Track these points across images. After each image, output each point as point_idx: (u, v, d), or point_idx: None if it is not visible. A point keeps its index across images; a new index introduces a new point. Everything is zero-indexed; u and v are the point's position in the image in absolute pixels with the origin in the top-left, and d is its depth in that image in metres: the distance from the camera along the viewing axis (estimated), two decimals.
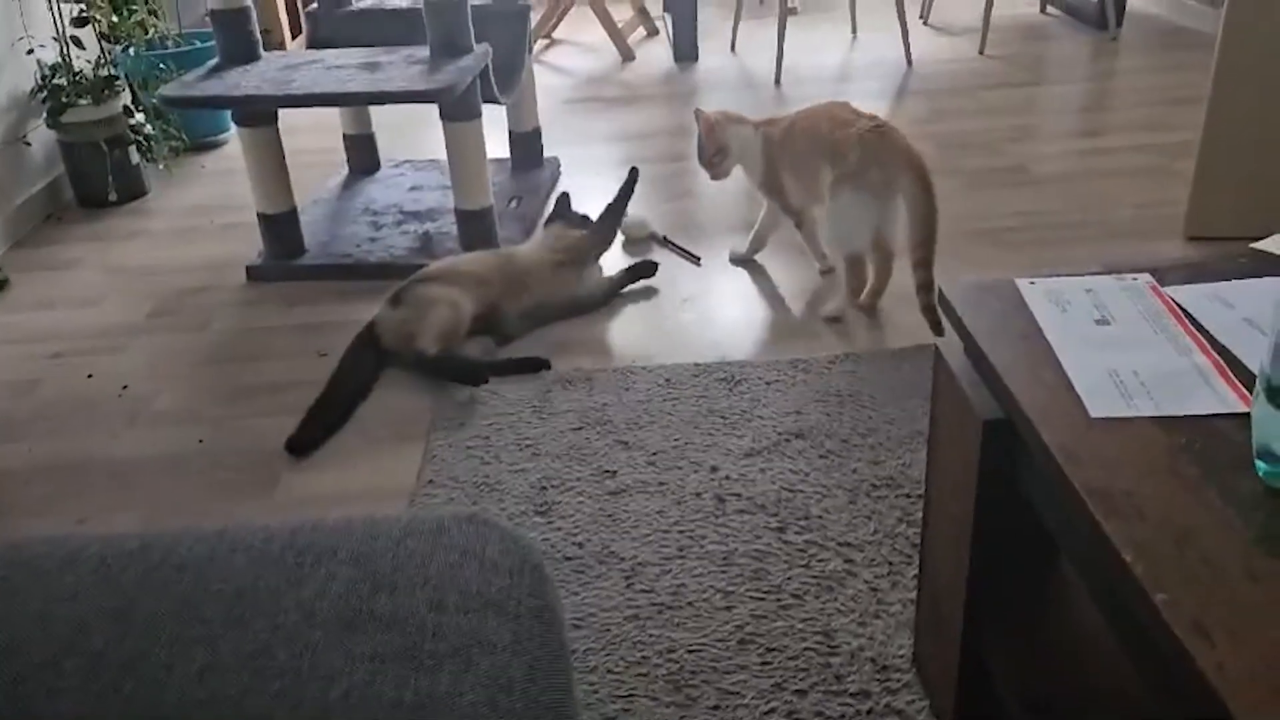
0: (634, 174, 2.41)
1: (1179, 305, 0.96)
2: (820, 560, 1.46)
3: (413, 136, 3.21)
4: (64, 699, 0.65)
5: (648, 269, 2.29)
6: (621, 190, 2.39)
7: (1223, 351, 0.88)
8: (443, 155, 2.40)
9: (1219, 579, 0.66)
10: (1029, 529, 0.94)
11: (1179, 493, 0.74)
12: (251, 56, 2.39)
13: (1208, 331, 0.91)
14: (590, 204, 2.45)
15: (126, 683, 0.66)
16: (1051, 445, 0.80)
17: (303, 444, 1.83)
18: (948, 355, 1.03)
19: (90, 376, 2.09)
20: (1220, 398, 0.83)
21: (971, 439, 0.96)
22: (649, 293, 2.27)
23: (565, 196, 2.45)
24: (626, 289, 2.26)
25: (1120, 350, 0.90)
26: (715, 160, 2.24)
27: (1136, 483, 0.75)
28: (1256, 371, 0.72)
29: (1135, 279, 1.01)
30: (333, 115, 2.94)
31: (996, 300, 1.01)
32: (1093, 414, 0.82)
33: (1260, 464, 0.73)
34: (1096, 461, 0.77)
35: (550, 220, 2.40)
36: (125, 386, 2.05)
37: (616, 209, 2.37)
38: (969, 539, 1.00)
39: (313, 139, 3.10)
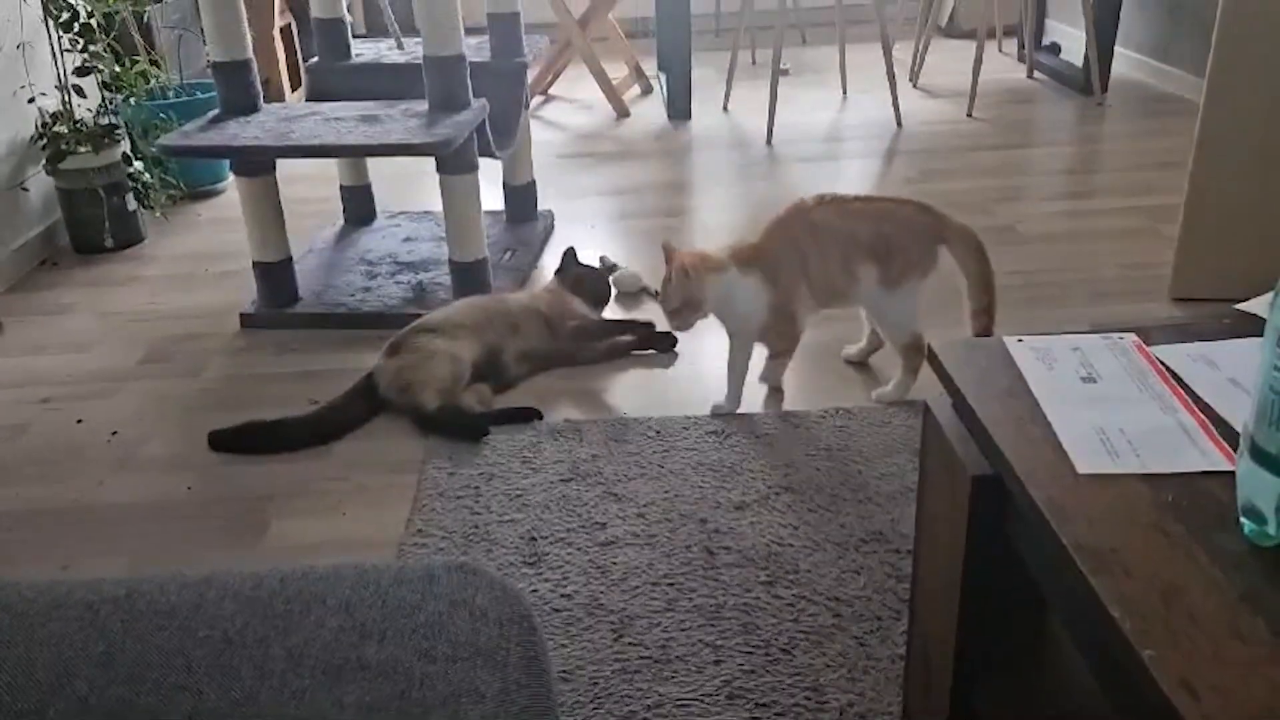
0: (604, 261, 2.46)
1: (1164, 364, 0.97)
2: (809, 615, 1.46)
3: (409, 188, 3.24)
4: None
5: (665, 343, 2.23)
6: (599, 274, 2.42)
7: (1208, 410, 0.89)
8: (438, 207, 2.43)
9: (1205, 636, 0.66)
10: (1018, 584, 0.94)
11: (1165, 550, 0.74)
12: (252, 108, 2.42)
13: (1193, 390, 0.92)
14: (584, 257, 2.47)
15: None
16: (1039, 501, 0.80)
17: (222, 441, 1.94)
18: (937, 411, 1.04)
19: (80, 422, 2.09)
20: (1206, 456, 0.83)
21: (960, 494, 0.96)
22: None
23: (570, 252, 2.41)
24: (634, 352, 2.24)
25: (1107, 408, 0.91)
26: (684, 313, 1.92)
27: (1123, 539, 0.75)
28: (1240, 430, 0.73)
29: (1121, 338, 1.02)
30: (330, 166, 2.98)
31: (984, 358, 1.02)
32: (1080, 470, 0.83)
33: (1245, 521, 0.74)
34: (1084, 518, 0.78)
35: (557, 273, 2.40)
36: (115, 432, 2.04)
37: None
38: (958, 594, 1.00)
39: (310, 189, 3.13)
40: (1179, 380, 0.94)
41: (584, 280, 2.36)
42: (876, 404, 1.98)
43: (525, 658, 0.77)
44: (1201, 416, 0.88)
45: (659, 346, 2.24)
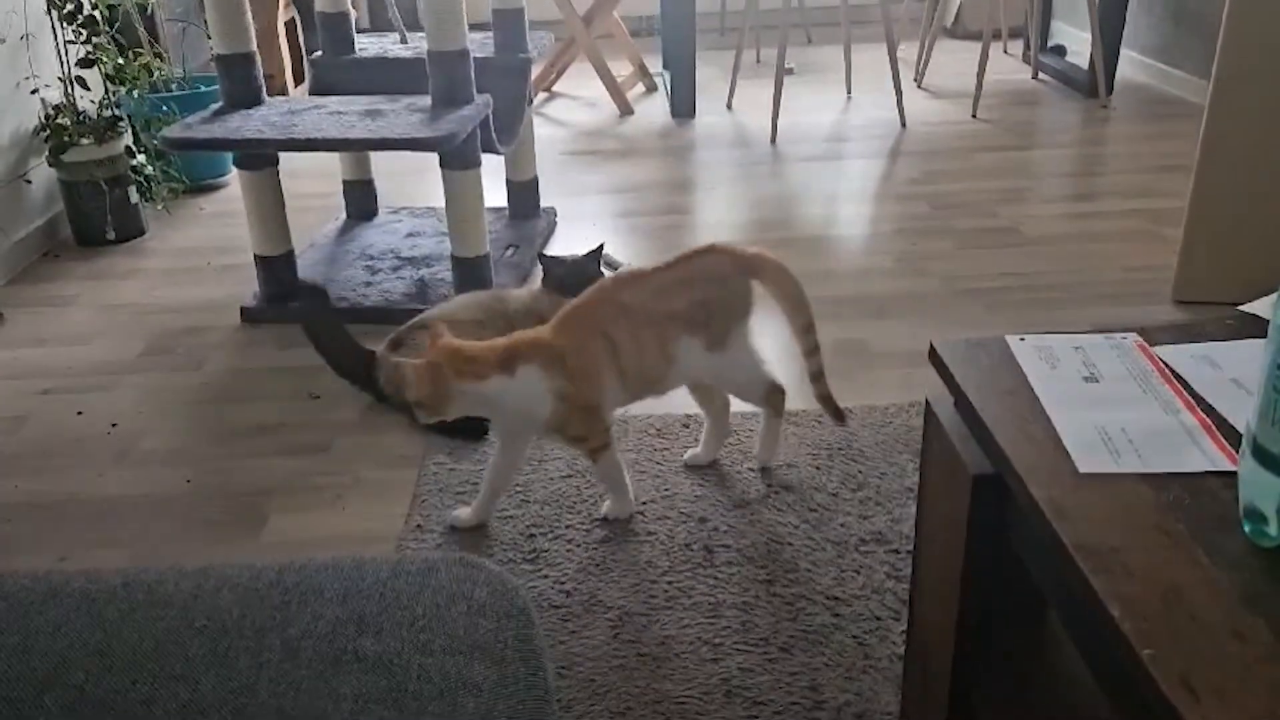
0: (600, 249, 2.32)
1: (1167, 365, 0.97)
2: (808, 614, 1.46)
3: (411, 184, 3.24)
4: None
5: None
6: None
7: (1210, 411, 0.89)
8: (440, 203, 2.42)
9: (1206, 636, 0.66)
10: (1018, 584, 0.94)
11: (1166, 550, 0.74)
12: (255, 101, 2.42)
13: (1195, 391, 0.92)
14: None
15: (106, 719, 0.66)
16: (1040, 501, 0.80)
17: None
18: (938, 410, 1.04)
19: (80, 414, 2.09)
20: (1208, 456, 0.83)
21: (961, 494, 0.96)
22: None
23: (544, 258, 2.25)
24: None
25: (1108, 408, 0.91)
26: (426, 410, 1.57)
27: (1124, 539, 0.75)
28: (1243, 430, 0.73)
29: (1124, 338, 1.02)
30: (332, 161, 2.97)
31: (986, 357, 1.02)
32: (1081, 470, 0.83)
33: (1247, 523, 0.73)
34: (1085, 517, 0.78)
35: (542, 283, 2.33)
36: (114, 424, 2.04)
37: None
38: (958, 593, 1.00)
39: (312, 184, 3.13)
40: (1181, 381, 0.94)
41: (565, 280, 2.31)
42: (877, 404, 1.97)
43: (523, 652, 0.77)
44: (1204, 417, 0.88)
45: None
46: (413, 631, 0.75)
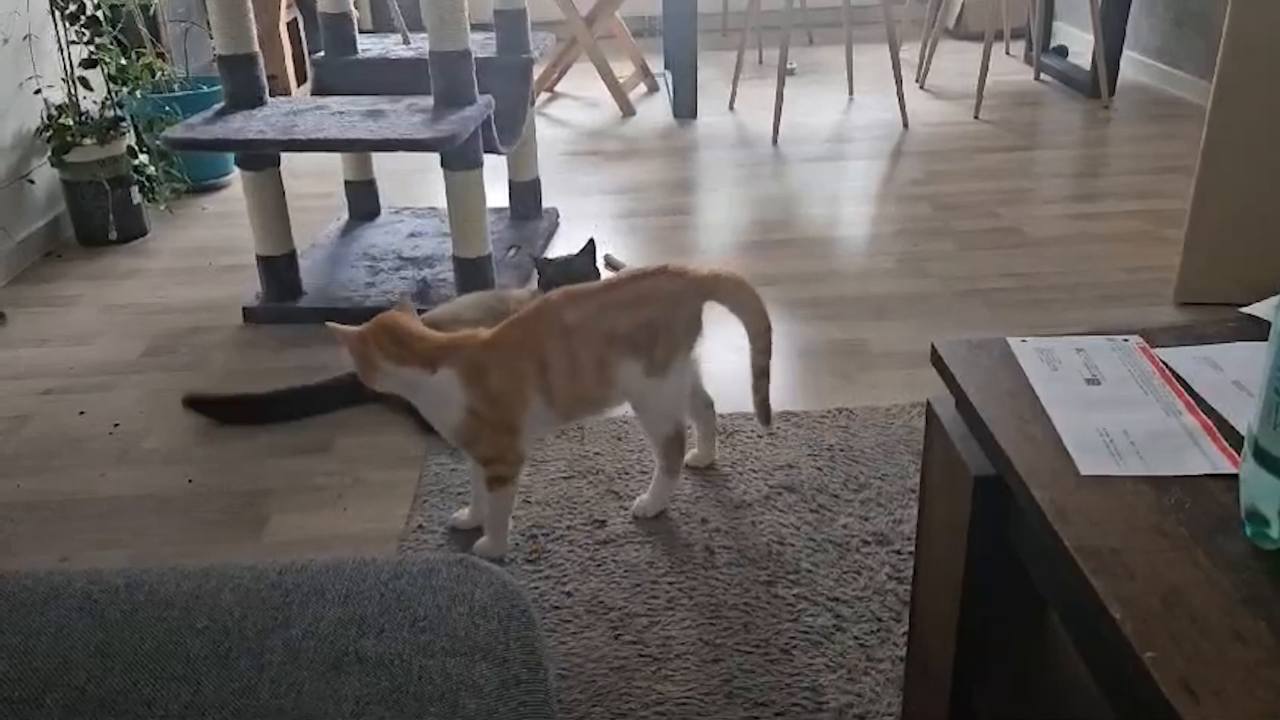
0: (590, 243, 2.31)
1: (1169, 367, 0.97)
2: (809, 615, 1.46)
3: (413, 184, 3.24)
4: None
5: None
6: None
7: (1211, 413, 0.89)
8: (442, 203, 2.42)
9: (1206, 638, 0.66)
10: (1019, 585, 0.94)
11: (1167, 552, 0.74)
12: (257, 101, 2.42)
13: (1197, 393, 0.92)
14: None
15: (108, 719, 0.66)
16: (1041, 502, 0.80)
17: (201, 403, 2.00)
18: (939, 411, 1.04)
19: (82, 414, 2.09)
20: (1209, 459, 0.83)
21: (963, 494, 0.96)
22: None
23: (541, 262, 2.25)
24: None
25: (1110, 410, 0.91)
26: (362, 373, 1.53)
27: (1125, 541, 0.75)
28: (1244, 433, 0.72)
29: (1125, 340, 1.02)
30: (334, 161, 2.98)
31: (988, 358, 1.02)
32: (1082, 471, 0.83)
33: (1248, 525, 0.73)
34: (1086, 519, 0.78)
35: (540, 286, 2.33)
36: (116, 424, 2.04)
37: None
38: (959, 595, 1.00)
39: (314, 184, 3.13)
40: (1183, 383, 0.94)
41: (555, 280, 2.27)
42: (879, 405, 1.97)
43: (524, 653, 0.77)
44: (1205, 419, 0.88)
45: None
46: (414, 632, 0.76)
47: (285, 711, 0.67)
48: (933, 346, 1.06)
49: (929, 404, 1.07)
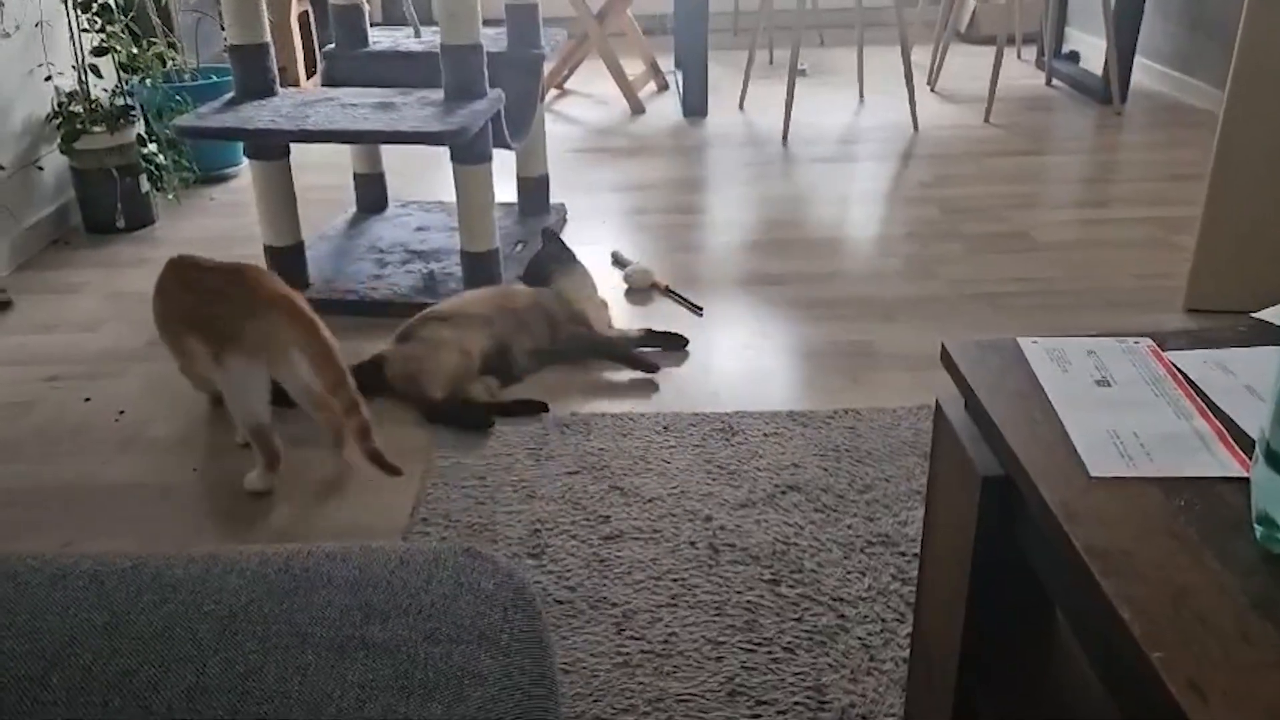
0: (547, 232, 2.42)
1: (1180, 370, 0.96)
2: (813, 615, 1.45)
3: (420, 178, 3.24)
4: (49, 712, 0.65)
5: (677, 342, 2.20)
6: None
7: (1222, 417, 0.89)
8: (449, 197, 2.42)
9: (1215, 639, 0.65)
10: (1025, 587, 0.93)
11: (1177, 554, 0.74)
12: (268, 92, 2.42)
13: (1208, 397, 0.92)
14: (596, 251, 2.47)
15: (114, 698, 0.66)
16: (1051, 503, 0.80)
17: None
18: (948, 411, 1.03)
19: (87, 400, 2.09)
20: (1220, 462, 0.83)
21: (970, 495, 0.96)
22: None
23: (532, 262, 2.34)
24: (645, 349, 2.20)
25: (1120, 411, 0.90)
26: None
27: (1135, 542, 0.75)
28: (1256, 437, 0.72)
29: (1137, 343, 1.02)
30: (343, 154, 2.98)
31: (998, 358, 1.02)
32: (1092, 473, 0.82)
33: (1258, 528, 0.73)
34: (1096, 520, 0.77)
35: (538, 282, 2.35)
36: (121, 412, 2.05)
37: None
38: (965, 596, 0.99)
39: (322, 177, 3.13)
40: (1194, 386, 0.94)
41: (528, 272, 2.34)
42: (886, 406, 1.97)
43: (528, 643, 0.77)
44: (1216, 423, 0.88)
45: (667, 346, 2.21)
46: (420, 620, 0.75)
47: (291, 695, 0.67)
48: (943, 346, 1.06)
49: (937, 404, 1.07)
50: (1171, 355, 0.99)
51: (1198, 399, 0.91)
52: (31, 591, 0.76)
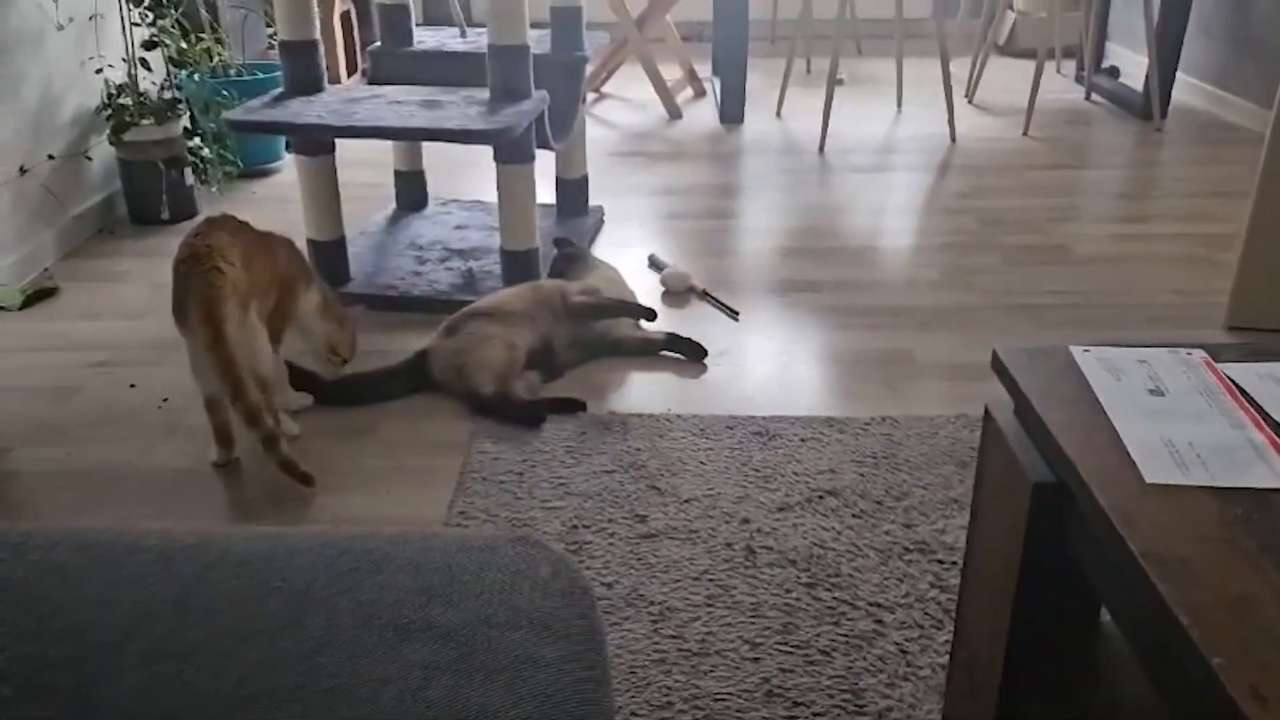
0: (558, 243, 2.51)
1: (1233, 382, 0.96)
2: (850, 619, 1.46)
3: (460, 177, 3.26)
4: (126, 678, 0.66)
5: (698, 352, 2.20)
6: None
7: (1277, 428, 0.89)
8: (488, 196, 2.45)
9: (1275, 647, 0.66)
10: (1071, 594, 0.94)
11: (1235, 562, 0.74)
12: (316, 88, 2.45)
13: (1262, 408, 0.92)
14: (633, 254, 2.48)
15: (188, 668, 0.67)
16: (1107, 509, 0.80)
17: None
18: (998, 416, 1.04)
19: (133, 386, 2.12)
20: (1275, 473, 0.83)
21: (1020, 501, 0.96)
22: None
23: (555, 261, 2.45)
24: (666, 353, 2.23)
25: (1174, 421, 0.90)
26: None
27: (1192, 550, 0.75)
28: None
29: (1190, 354, 1.02)
30: (384, 152, 3.01)
31: (1049, 365, 1.02)
32: (1148, 480, 0.83)
33: None
34: (1152, 527, 0.78)
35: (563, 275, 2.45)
36: (165, 399, 2.08)
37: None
38: (1010, 602, 0.99)
39: (364, 174, 3.16)
40: (1248, 398, 0.94)
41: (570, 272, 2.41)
42: (924, 414, 1.97)
43: (585, 630, 0.78)
44: (1271, 434, 0.88)
45: (686, 354, 2.22)
46: (479, 605, 0.77)
47: (357, 674, 0.69)
48: (994, 352, 1.07)
49: (986, 410, 1.07)
50: (1224, 367, 0.99)
51: (1252, 411, 0.92)
52: (104, 564, 0.78)
